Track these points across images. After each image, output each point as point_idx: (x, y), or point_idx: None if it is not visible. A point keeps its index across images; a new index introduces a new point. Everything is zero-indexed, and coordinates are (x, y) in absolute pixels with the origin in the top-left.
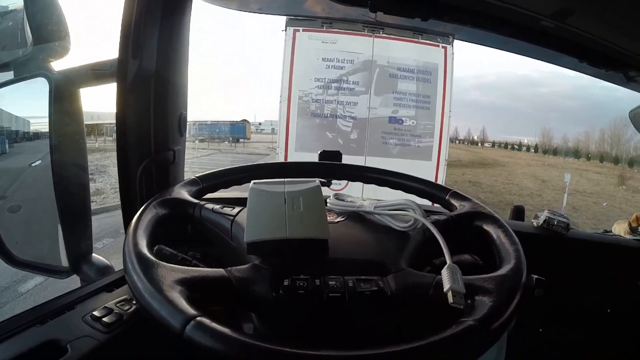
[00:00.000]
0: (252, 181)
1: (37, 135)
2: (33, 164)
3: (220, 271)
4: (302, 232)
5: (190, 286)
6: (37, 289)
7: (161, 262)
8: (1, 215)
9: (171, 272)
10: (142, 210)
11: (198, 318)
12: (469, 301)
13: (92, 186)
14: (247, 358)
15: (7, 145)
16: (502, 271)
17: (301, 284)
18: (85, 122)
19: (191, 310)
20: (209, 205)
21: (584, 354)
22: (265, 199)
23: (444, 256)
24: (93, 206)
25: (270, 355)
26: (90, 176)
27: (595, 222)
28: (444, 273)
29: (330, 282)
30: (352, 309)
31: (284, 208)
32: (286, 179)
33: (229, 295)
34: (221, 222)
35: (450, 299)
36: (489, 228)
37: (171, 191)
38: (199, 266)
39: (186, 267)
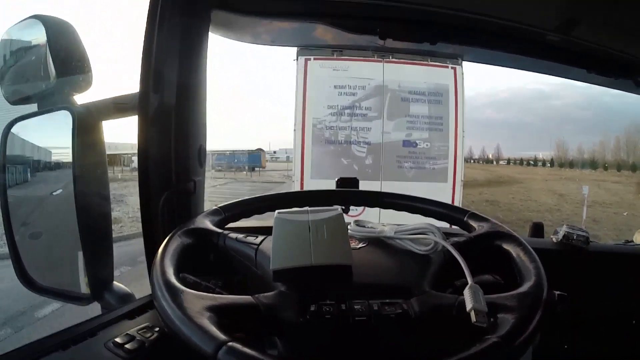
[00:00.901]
0: (277, 211)
1: (58, 165)
2: (54, 193)
3: (247, 298)
4: (327, 259)
5: (219, 313)
6: (53, 315)
7: (189, 289)
8: (23, 241)
9: (200, 300)
10: (168, 239)
11: (230, 343)
12: (491, 319)
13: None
14: None
15: (29, 174)
16: (523, 288)
17: (327, 308)
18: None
19: (222, 336)
20: (233, 235)
21: None
22: (290, 228)
23: (465, 277)
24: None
25: None
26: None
27: (616, 233)
28: (466, 293)
29: (355, 306)
30: (378, 332)
31: (308, 236)
32: (309, 208)
33: (257, 322)
34: (245, 251)
35: (473, 318)
36: (508, 247)
37: (195, 221)
38: (222, 294)
39: (213, 295)
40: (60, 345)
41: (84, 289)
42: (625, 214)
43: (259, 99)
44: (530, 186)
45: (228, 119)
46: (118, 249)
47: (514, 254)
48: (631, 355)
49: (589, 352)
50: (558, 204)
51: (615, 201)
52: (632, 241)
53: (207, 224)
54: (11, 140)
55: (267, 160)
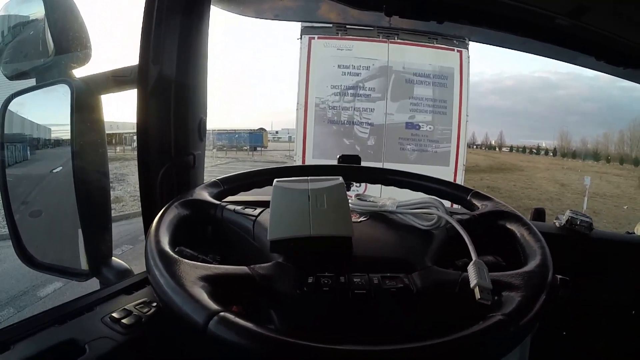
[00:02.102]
0: (275, 179)
1: (58, 143)
2: (54, 170)
3: (243, 269)
4: (326, 230)
5: (213, 283)
6: (55, 294)
7: (183, 259)
8: (23, 220)
9: (194, 269)
10: (164, 210)
11: (222, 313)
12: (495, 297)
13: (112, 194)
14: (274, 353)
15: (28, 152)
16: (529, 267)
17: (326, 281)
18: (106, 132)
19: (214, 306)
20: (231, 206)
21: (608, 357)
22: (289, 197)
23: (469, 254)
24: (113, 213)
25: (298, 350)
26: (109, 184)
27: (616, 226)
28: (470, 269)
29: (355, 280)
30: (378, 307)
31: (307, 205)
32: (309, 177)
33: (252, 293)
34: (243, 223)
35: (478, 295)
36: (512, 227)
37: (192, 192)
38: None
39: (208, 265)
40: (57, 320)
41: (84, 265)
42: (625, 207)
43: (262, 77)
44: (532, 174)
45: (230, 98)
46: (120, 228)
47: (518, 234)
48: (630, 346)
49: (587, 339)
50: (559, 194)
51: (616, 194)
52: (634, 233)
53: (205, 195)
54: (10, 118)
55: (269, 140)
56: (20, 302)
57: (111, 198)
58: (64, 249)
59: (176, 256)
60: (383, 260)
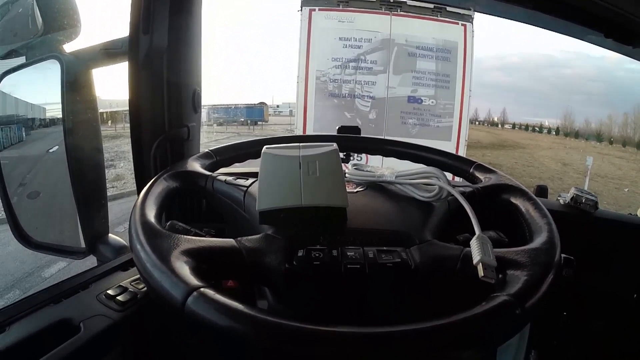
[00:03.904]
0: (265, 146)
1: (53, 122)
2: (50, 150)
3: (229, 241)
4: (319, 200)
5: (197, 257)
6: (60, 274)
7: (168, 232)
8: (21, 201)
9: (177, 242)
10: (152, 182)
11: (202, 289)
12: (500, 275)
13: (113, 172)
14: (254, 334)
15: (24, 133)
16: (535, 244)
17: (317, 254)
18: (105, 110)
19: (195, 281)
20: (222, 177)
21: (608, 341)
22: (279, 164)
23: (470, 229)
24: (114, 191)
25: (281, 331)
26: (110, 162)
27: (616, 208)
28: (474, 244)
29: (348, 253)
30: (373, 282)
31: (298, 173)
32: (301, 144)
33: (239, 267)
34: (234, 194)
35: (481, 272)
36: (516, 201)
37: (183, 164)
38: None
39: (194, 237)
40: (52, 299)
41: (82, 242)
42: (626, 190)
43: (262, 50)
44: (534, 152)
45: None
46: (121, 206)
47: (523, 209)
48: (630, 330)
49: (587, 321)
50: (561, 172)
51: (617, 176)
52: (636, 215)
53: (196, 166)
54: (3, 99)
55: (269, 115)
56: (25, 283)
57: (113, 176)
58: (63, 228)
59: (160, 228)
60: (380, 232)
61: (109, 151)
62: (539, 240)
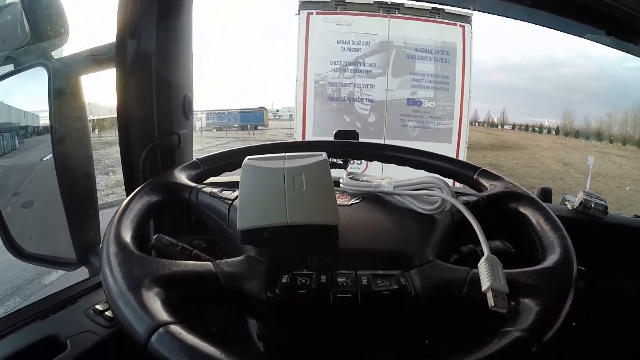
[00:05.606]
0: (247, 157)
1: (46, 130)
2: (44, 158)
3: (207, 265)
4: (306, 217)
5: (170, 285)
6: (60, 281)
7: (143, 255)
8: (14, 211)
9: (150, 268)
10: (132, 197)
11: (169, 326)
12: (512, 303)
13: (113, 178)
14: None
15: (17, 141)
16: (548, 263)
17: (303, 281)
18: (105, 116)
19: (163, 316)
20: (207, 189)
21: (618, 349)
22: (261, 177)
23: (475, 239)
24: (114, 198)
25: None
26: (110, 168)
27: (618, 207)
28: (482, 267)
29: (339, 279)
30: (366, 313)
31: (282, 188)
32: (287, 154)
33: (214, 295)
34: (218, 207)
35: (491, 301)
36: (526, 211)
37: (168, 175)
38: (199, 257)
39: (169, 261)
40: (39, 314)
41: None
42: (628, 188)
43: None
44: (534, 153)
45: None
46: None
47: (534, 220)
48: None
49: (597, 331)
50: (562, 173)
51: (619, 174)
52: None
53: (182, 177)
54: None
55: (269, 119)
56: (25, 290)
57: (113, 182)
58: (58, 238)
59: (133, 250)
60: (375, 253)
61: (110, 157)
62: (552, 258)
